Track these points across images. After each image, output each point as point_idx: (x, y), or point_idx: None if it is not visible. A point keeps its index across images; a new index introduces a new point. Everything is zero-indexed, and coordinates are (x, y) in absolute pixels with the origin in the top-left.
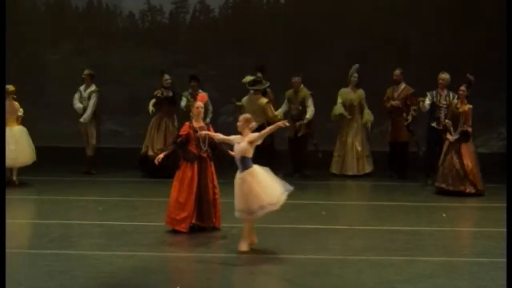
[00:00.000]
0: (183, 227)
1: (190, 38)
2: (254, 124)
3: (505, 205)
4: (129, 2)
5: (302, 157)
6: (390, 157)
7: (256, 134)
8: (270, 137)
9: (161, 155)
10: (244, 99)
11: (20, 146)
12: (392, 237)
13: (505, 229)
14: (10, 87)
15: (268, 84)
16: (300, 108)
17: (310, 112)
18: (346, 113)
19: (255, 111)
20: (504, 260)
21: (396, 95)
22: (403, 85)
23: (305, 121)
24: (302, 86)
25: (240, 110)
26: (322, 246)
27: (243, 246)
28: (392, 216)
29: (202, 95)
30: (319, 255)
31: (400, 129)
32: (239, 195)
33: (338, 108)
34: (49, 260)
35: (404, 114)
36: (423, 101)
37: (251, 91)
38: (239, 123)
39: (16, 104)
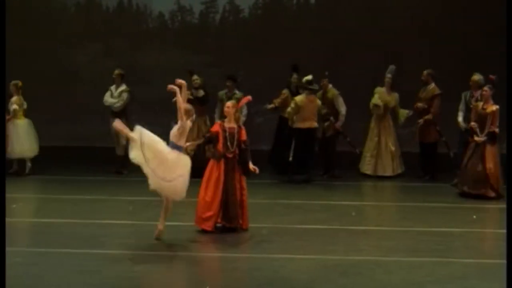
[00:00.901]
0: (208, 226)
1: (220, 38)
2: (194, 117)
3: None
4: (159, 2)
5: (330, 157)
6: (420, 158)
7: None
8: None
9: (189, 144)
10: (299, 99)
11: (33, 137)
12: (423, 238)
13: None
14: (19, 83)
15: (317, 87)
16: (326, 109)
17: (341, 115)
18: (379, 102)
19: (314, 112)
20: None
21: (423, 95)
22: (431, 86)
23: (338, 127)
24: (330, 86)
25: (277, 111)
26: (352, 246)
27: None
28: (422, 217)
29: (246, 98)
30: (349, 256)
31: (427, 129)
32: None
33: (375, 99)
34: (80, 260)
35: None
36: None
37: (306, 91)
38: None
39: (22, 97)
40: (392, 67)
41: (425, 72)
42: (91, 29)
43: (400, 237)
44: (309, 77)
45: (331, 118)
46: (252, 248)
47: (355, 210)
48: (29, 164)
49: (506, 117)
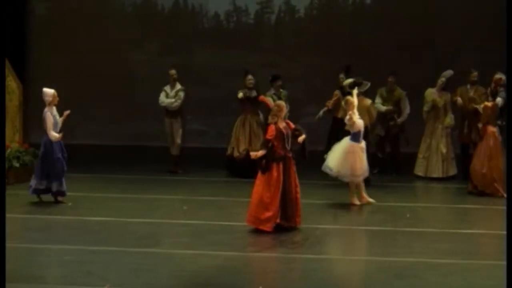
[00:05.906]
0: (268, 227)
1: (275, 38)
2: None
3: None
4: (214, 2)
5: (395, 156)
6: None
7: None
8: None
9: (259, 154)
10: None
11: None
12: (479, 241)
13: None
14: None
15: (369, 84)
16: (392, 107)
17: (405, 113)
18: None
19: (362, 112)
20: None
21: (472, 95)
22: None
23: (398, 122)
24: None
25: (330, 113)
26: (408, 248)
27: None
28: (478, 219)
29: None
30: (404, 258)
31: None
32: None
33: (428, 105)
34: (135, 258)
35: None
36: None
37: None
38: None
39: None
40: (449, 71)
41: (475, 73)
42: (147, 29)
43: (456, 240)
44: (348, 81)
45: (395, 116)
46: (307, 249)
47: (410, 212)
48: None
49: (506, 117)
